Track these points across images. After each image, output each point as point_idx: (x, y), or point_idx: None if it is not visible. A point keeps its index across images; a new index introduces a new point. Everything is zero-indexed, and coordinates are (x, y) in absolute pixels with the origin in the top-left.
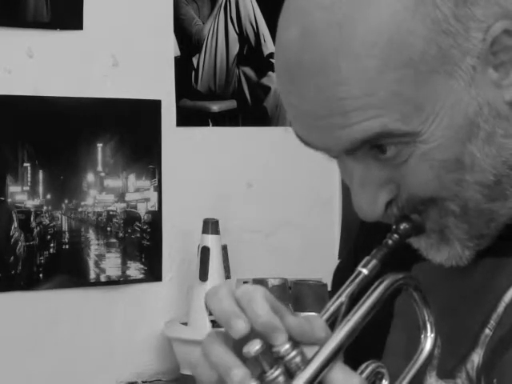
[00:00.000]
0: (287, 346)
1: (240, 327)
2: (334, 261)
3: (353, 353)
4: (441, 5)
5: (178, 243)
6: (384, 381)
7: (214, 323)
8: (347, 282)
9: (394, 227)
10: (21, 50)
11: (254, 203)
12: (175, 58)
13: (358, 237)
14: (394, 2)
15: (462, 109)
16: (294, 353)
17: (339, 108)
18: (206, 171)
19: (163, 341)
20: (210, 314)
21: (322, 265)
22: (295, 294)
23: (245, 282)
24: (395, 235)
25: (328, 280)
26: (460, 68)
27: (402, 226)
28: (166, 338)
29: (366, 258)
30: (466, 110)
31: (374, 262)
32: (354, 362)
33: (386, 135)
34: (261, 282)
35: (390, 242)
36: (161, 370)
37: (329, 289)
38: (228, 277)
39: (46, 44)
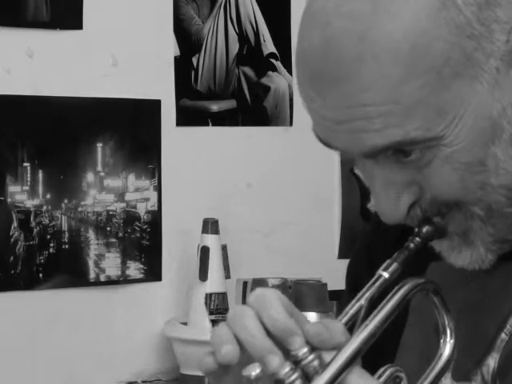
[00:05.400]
0: (305, 349)
1: (227, 353)
2: (333, 261)
3: (367, 350)
4: (464, 9)
5: (178, 243)
6: None
7: (214, 323)
8: (367, 286)
9: (416, 230)
10: (20, 49)
11: (254, 203)
12: (175, 57)
13: (372, 235)
14: (416, 9)
15: (485, 111)
16: (311, 357)
17: (362, 113)
18: (205, 171)
19: (163, 341)
20: (210, 313)
21: (321, 265)
22: (295, 294)
23: (245, 282)
24: (417, 238)
25: (328, 280)
26: (484, 70)
27: (425, 229)
28: (165, 338)
29: (387, 262)
30: (489, 111)
31: (395, 265)
32: (367, 359)
33: (409, 143)
34: (261, 281)
35: (411, 245)
36: (161, 370)
37: (329, 288)
38: (228, 277)
39: (45, 44)
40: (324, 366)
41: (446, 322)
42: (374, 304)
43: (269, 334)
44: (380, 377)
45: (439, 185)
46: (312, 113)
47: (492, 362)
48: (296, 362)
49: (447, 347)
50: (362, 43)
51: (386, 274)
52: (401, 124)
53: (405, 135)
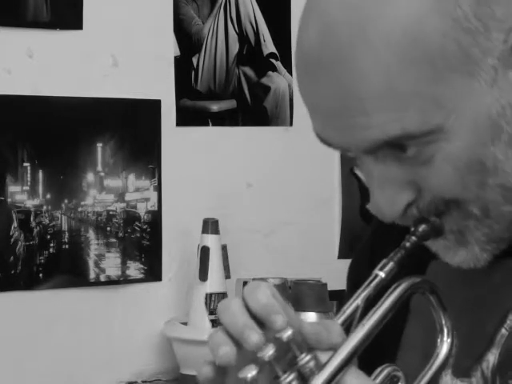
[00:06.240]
0: (289, 332)
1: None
2: (333, 261)
3: (368, 347)
4: (462, 3)
5: (178, 243)
6: None
7: (214, 323)
8: (363, 285)
9: (412, 229)
10: (20, 49)
11: (254, 203)
12: (175, 57)
13: (375, 234)
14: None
15: (484, 110)
16: (307, 358)
17: (359, 107)
18: (205, 171)
19: (163, 341)
20: (210, 313)
21: (321, 265)
22: (295, 294)
23: (245, 282)
24: (413, 237)
25: (328, 280)
26: (481, 68)
27: (421, 228)
28: (165, 338)
29: (383, 261)
30: (488, 111)
31: (391, 264)
32: (368, 357)
33: (407, 137)
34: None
35: (407, 244)
36: (161, 370)
37: (329, 288)
38: (228, 277)
39: (45, 44)
40: (320, 366)
41: (443, 321)
42: (370, 303)
43: (254, 318)
44: (377, 376)
45: (440, 184)
46: (310, 107)
47: (492, 357)
48: (292, 364)
49: (444, 346)
50: (358, 30)
51: (382, 274)
52: (398, 118)
53: (403, 129)
